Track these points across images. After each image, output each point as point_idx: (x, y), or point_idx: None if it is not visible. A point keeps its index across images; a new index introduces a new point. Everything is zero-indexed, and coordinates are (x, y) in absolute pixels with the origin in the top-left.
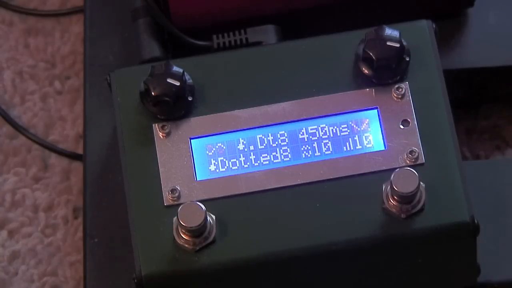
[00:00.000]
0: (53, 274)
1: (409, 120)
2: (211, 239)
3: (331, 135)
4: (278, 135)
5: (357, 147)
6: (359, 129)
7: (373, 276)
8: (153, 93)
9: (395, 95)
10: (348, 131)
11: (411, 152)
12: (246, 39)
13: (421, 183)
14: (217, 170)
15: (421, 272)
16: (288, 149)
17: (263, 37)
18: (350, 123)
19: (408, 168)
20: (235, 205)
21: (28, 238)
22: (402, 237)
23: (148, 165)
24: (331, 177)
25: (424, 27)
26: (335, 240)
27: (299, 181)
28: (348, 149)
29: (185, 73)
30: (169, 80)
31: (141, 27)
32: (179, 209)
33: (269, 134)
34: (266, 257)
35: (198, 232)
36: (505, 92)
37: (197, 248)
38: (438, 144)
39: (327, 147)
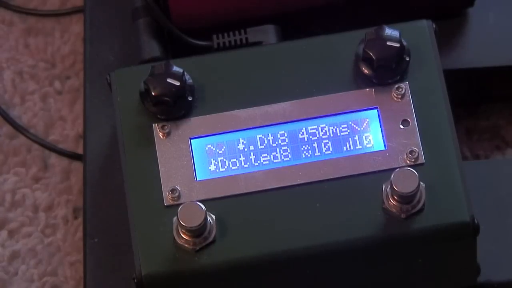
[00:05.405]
0: (53, 274)
1: (409, 120)
2: (211, 239)
3: (331, 135)
4: (278, 135)
5: (357, 147)
6: (359, 129)
7: (373, 276)
8: (153, 93)
9: (395, 95)
10: (348, 131)
11: (411, 152)
12: (246, 39)
13: (421, 183)
14: (217, 170)
15: (421, 272)
16: (288, 149)
17: (263, 37)
18: (350, 123)
19: (408, 168)
20: (235, 205)
21: (28, 238)
22: (402, 237)
23: (148, 165)
24: (331, 177)
25: (424, 27)
26: (335, 240)
27: (299, 181)
28: (348, 149)
29: (185, 73)
30: (169, 80)
31: (141, 27)
32: (179, 209)
33: (269, 134)
34: (266, 257)
35: (198, 232)
36: (505, 92)
37: (197, 248)
38: (438, 144)
39: (327, 147)
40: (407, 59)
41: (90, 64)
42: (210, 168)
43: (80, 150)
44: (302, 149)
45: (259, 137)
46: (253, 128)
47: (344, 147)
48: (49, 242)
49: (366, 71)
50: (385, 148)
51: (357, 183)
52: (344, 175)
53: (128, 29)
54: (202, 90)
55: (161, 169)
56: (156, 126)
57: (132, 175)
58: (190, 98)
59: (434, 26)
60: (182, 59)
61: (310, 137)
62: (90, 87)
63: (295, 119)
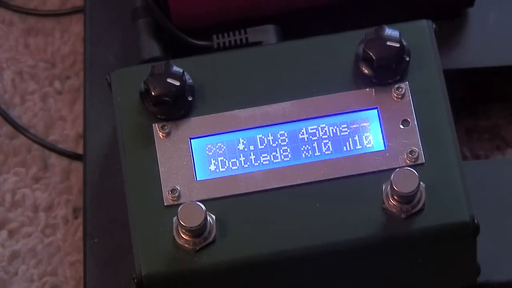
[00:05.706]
0: (53, 274)
1: (409, 120)
2: (211, 239)
3: (331, 135)
4: (278, 135)
5: (357, 147)
6: (359, 129)
7: (373, 276)
8: (153, 93)
9: (395, 95)
10: (348, 131)
11: (411, 152)
12: (246, 39)
13: (421, 183)
14: (217, 170)
15: (421, 272)
16: (288, 149)
17: (263, 37)
18: (350, 123)
19: (408, 168)
20: (235, 205)
21: (28, 238)
22: (402, 237)
23: (148, 165)
24: (331, 177)
25: (424, 27)
26: (335, 240)
27: (299, 181)
28: (348, 149)
29: (185, 73)
30: (169, 80)
31: (141, 27)
32: (179, 209)
33: (269, 134)
34: (266, 257)
35: (198, 232)
36: (505, 92)
37: (197, 248)
38: (438, 144)
39: (327, 147)
40: (407, 59)
41: (90, 64)
42: (210, 168)
43: (80, 150)
44: (302, 149)
45: (259, 137)
46: (253, 128)
47: (344, 147)
48: (49, 242)
49: (366, 71)
50: (385, 148)
51: (357, 183)
52: (344, 175)
53: (128, 29)
54: (202, 90)
55: (161, 169)
56: (156, 126)
57: (132, 175)
58: (190, 98)
59: (434, 26)
60: (182, 59)
61: (310, 137)
62: (90, 87)
63: (295, 119)
